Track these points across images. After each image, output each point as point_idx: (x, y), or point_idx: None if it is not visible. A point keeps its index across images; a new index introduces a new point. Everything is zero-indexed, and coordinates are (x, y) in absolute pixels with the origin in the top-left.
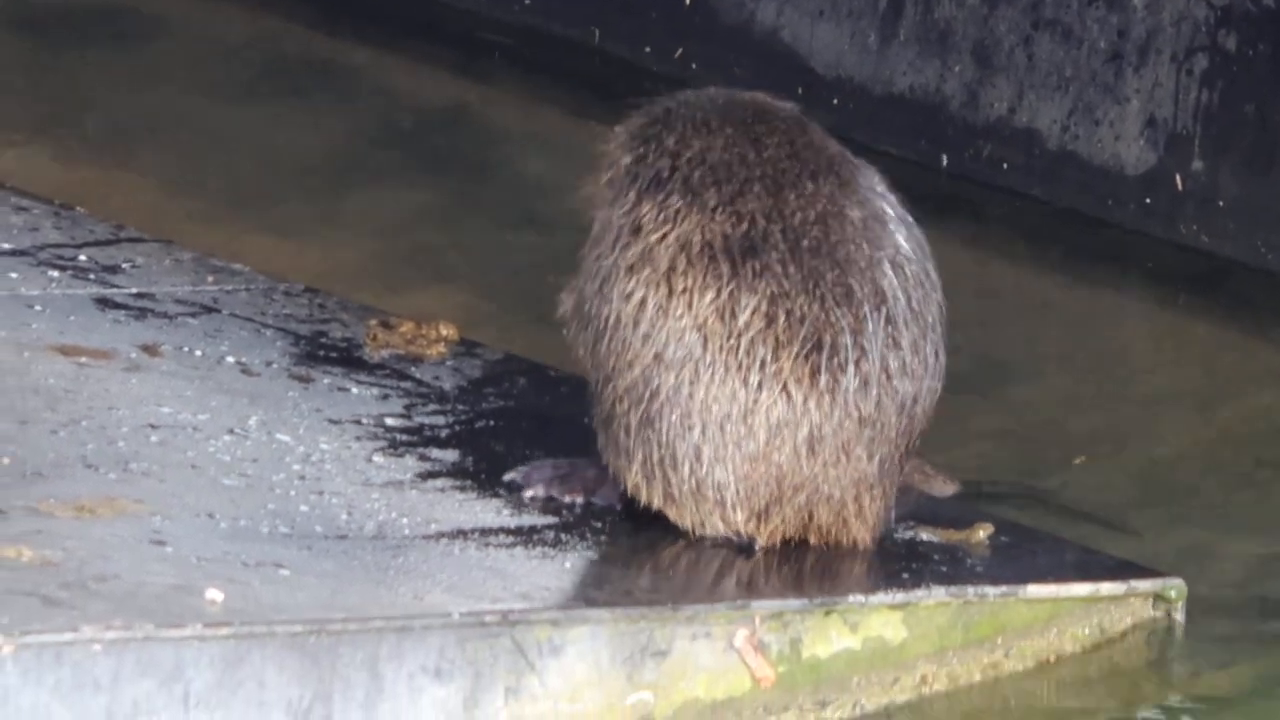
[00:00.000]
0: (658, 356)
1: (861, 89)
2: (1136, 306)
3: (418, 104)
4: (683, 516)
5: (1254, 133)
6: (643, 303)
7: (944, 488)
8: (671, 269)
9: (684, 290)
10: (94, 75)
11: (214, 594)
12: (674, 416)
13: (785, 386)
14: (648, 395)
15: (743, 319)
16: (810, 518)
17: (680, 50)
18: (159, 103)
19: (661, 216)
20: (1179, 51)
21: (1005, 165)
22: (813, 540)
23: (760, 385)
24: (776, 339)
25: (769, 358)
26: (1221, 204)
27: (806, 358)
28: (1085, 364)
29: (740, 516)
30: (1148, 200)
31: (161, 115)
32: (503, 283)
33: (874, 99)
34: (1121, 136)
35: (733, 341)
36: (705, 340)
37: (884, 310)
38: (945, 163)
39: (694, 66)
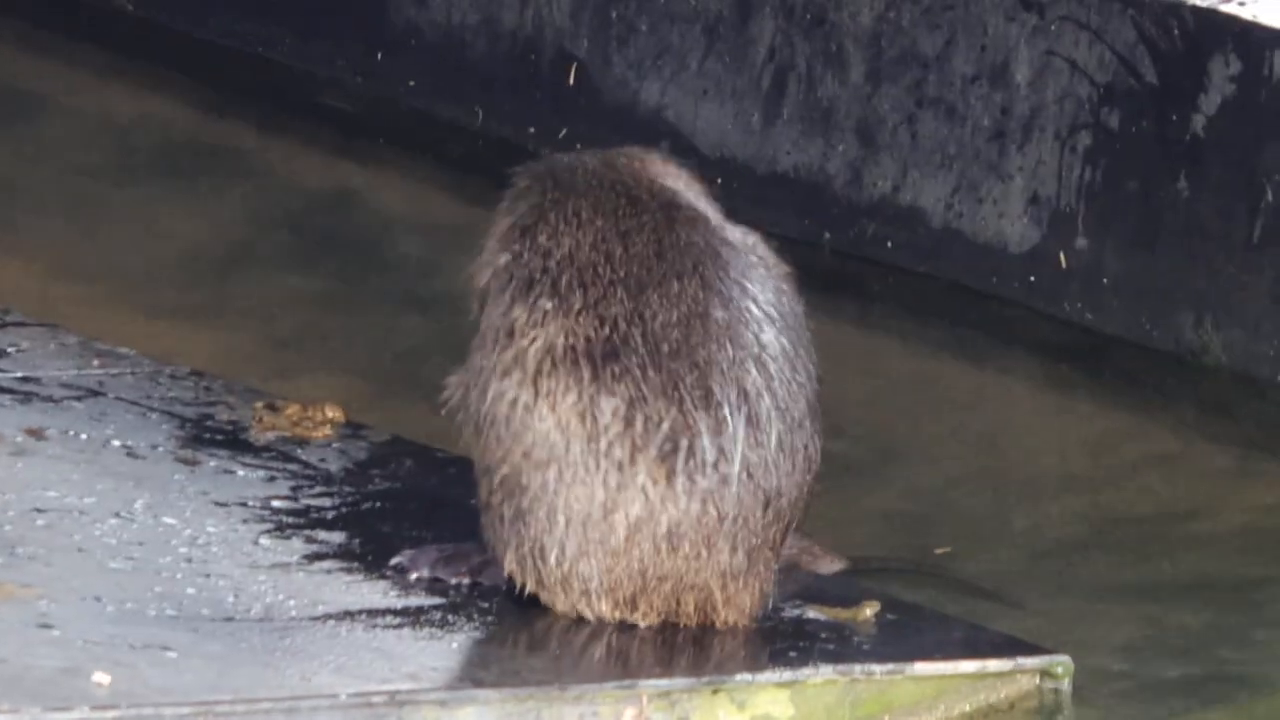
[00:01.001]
0: (526, 455)
1: (745, 168)
2: (1021, 383)
3: (303, 186)
4: (554, 603)
5: (1137, 210)
6: (513, 403)
7: (831, 565)
8: (538, 372)
9: (548, 393)
10: None
11: (101, 677)
12: (542, 512)
13: (642, 488)
14: (518, 491)
15: (602, 422)
16: (678, 605)
17: (565, 130)
18: (43, 184)
19: (531, 320)
20: (1062, 129)
21: (889, 243)
22: (682, 623)
23: (619, 486)
24: (634, 442)
25: (626, 460)
26: (1105, 281)
27: (663, 460)
28: (971, 441)
29: (605, 606)
30: (1032, 278)
31: (46, 197)
32: (388, 364)
33: (758, 178)
34: (1005, 214)
35: (593, 444)
36: (568, 441)
37: (745, 411)
38: (829, 241)
39: (578, 146)
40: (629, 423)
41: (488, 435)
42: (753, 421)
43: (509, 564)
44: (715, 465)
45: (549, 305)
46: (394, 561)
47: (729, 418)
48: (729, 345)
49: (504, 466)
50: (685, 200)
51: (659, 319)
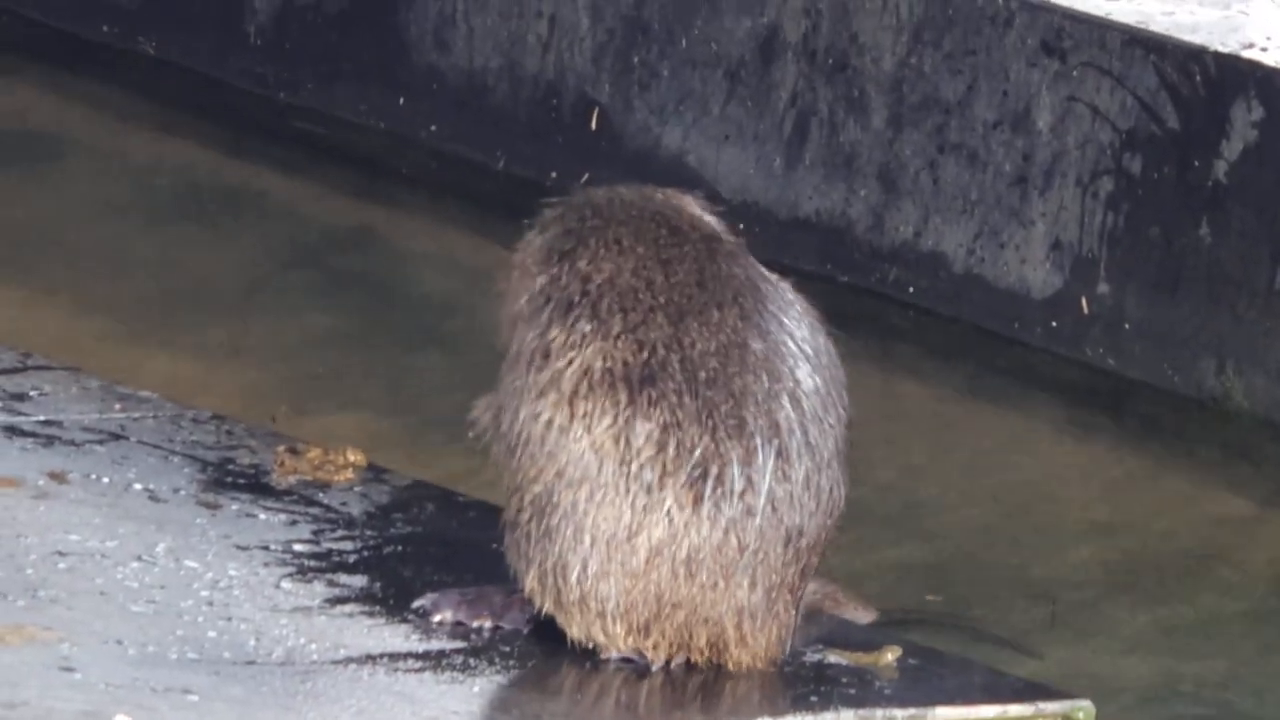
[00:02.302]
0: (559, 474)
1: (768, 213)
2: (1043, 429)
3: (324, 226)
4: (569, 624)
5: (1159, 255)
6: (549, 423)
7: (855, 612)
8: (575, 393)
9: (584, 414)
10: (0, 199)
11: None
12: (569, 530)
13: (668, 511)
14: (548, 508)
15: (636, 444)
16: (690, 637)
17: (586, 175)
18: (67, 226)
19: (569, 342)
20: (1084, 175)
21: (911, 288)
22: (693, 660)
23: (646, 508)
24: (664, 466)
25: (655, 483)
26: (1127, 326)
27: (691, 486)
28: (991, 486)
29: (620, 629)
30: (1054, 323)
31: (69, 239)
32: (408, 403)
33: (780, 222)
34: (1027, 260)
35: (624, 466)
36: (600, 462)
37: (776, 444)
38: (852, 286)
39: None
40: (661, 447)
41: (520, 454)
42: (783, 455)
43: (530, 581)
44: (742, 495)
45: (588, 328)
46: (416, 605)
47: (760, 449)
48: (765, 377)
49: (536, 485)
50: (725, 235)
51: (697, 346)
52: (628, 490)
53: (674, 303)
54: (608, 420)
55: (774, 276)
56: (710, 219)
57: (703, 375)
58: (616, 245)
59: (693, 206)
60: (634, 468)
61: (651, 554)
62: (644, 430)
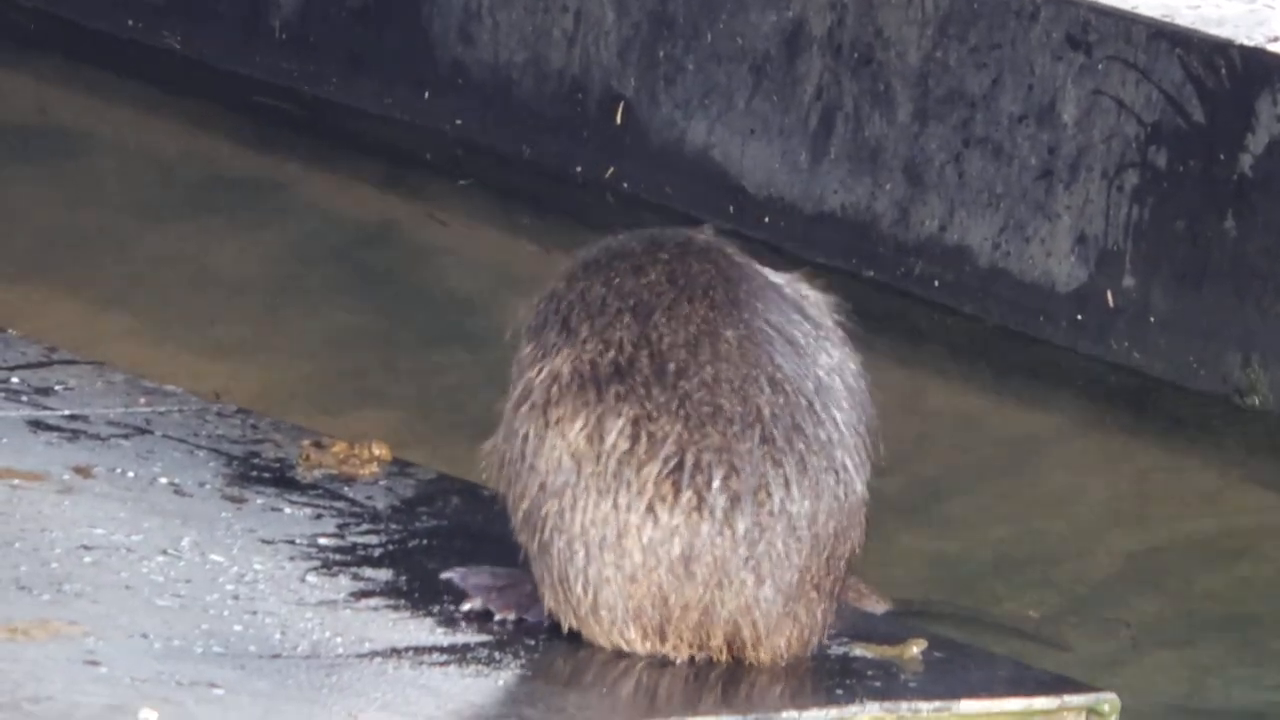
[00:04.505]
0: (542, 486)
1: (793, 207)
2: (1068, 423)
3: (350, 220)
4: (592, 635)
5: (1185, 249)
6: (526, 437)
7: (876, 605)
8: (547, 401)
9: (557, 420)
10: (24, 194)
11: (148, 714)
12: (561, 542)
13: (650, 506)
14: (539, 524)
15: (609, 442)
16: (707, 638)
17: (611, 169)
18: (90, 221)
19: (540, 353)
20: (1109, 168)
21: (936, 282)
22: (715, 660)
23: (628, 506)
24: (639, 460)
25: (633, 478)
26: (1153, 320)
27: (668, 476)
28: (1017, 481)
29: (634, 634)
30: (1079, 317)
31: (93, 234)
32: (434, 400)
33: (805, 217)
34: (1053, 253)
35: (600, 466)
36: (578, 466)
37: (759, 428)
38: (877, 280)
39: (625, 185)
40: (634, 440)
41: (507, 474)
42: (768, 440)
43: (548, 601)
44: (726, 481)
45: (555, 338)
46: (444, 576)
47: (739, 434)
48: (740, 363)
49: (524, 501)
50: (701, 237)
51: (665, 340)
52: (607, 490)
53: (643, 302)
54: (579, 423)
55: (755, 266)
56: (688, 230)
57: (672, 367)
58: (595, 264)
59: (697, 235)
60: (611, 465)
61: (645, 553)
62: (614, 426)
